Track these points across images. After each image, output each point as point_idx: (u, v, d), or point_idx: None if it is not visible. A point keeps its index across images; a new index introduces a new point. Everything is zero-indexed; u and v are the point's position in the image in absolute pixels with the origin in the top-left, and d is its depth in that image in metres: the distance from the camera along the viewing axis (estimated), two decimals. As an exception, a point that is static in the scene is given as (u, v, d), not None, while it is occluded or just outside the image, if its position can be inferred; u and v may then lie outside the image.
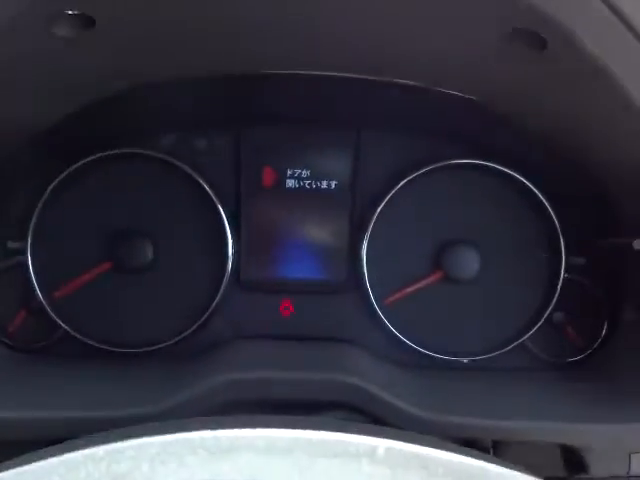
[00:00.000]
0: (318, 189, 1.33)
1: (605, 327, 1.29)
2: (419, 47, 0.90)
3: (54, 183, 1.26)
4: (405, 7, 0.80)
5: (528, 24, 0.77)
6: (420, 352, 1.30)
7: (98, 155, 1.26)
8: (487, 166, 1.29)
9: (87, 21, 0.79)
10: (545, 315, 1.29)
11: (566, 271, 1.29)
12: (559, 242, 1.29)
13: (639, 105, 0.81)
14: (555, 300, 1.29)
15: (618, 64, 0.78)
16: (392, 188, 1.29)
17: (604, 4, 0.72)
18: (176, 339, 1.28)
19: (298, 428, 0.53)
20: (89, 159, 1.26)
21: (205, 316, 1.29)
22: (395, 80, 1.05)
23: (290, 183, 1.33)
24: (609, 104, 0.84)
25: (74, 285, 1.29)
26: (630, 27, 0.75)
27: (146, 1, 0.78)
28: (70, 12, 0.77)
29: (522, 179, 1.29)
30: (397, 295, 1.32)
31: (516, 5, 0.73)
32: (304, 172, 1.33)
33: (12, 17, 0.74)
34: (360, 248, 1.30)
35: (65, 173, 1.26)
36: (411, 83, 1.06)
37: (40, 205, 1.26)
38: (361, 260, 1.30)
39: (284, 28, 0.90)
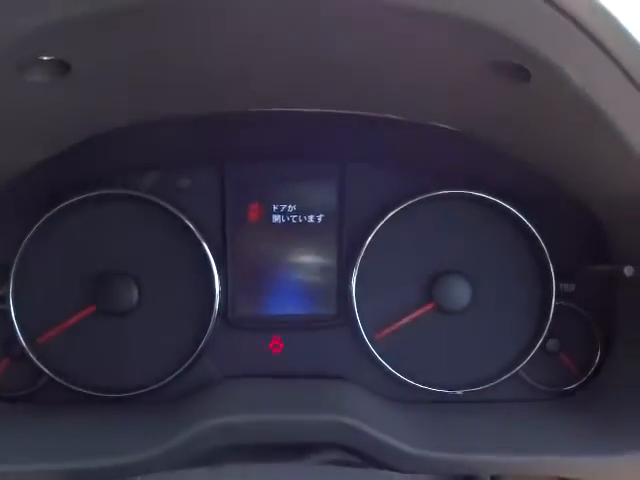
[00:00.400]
0: (305, 223, 1.31)
1: (599, 353, 1.28)
2: (402, 80, 0.89)
3: (35, 227, 1.23)
4: (387, 41, 0.79)
5: (512, 57, 0.76)
6: (413, 386, 1.28)
7: (79, 197, 1.24)
8: (475, 196, 1.28)
9: (62, 66, 0.77)
10: (538, 343, 1.27)
11: (557, 298, 1.28)
12: (549, 269, 1.27)
13: (624, 137, 0.80)
14: (547, 328, 1.28)
15: (603, 96, 0.77)
16: (380, 221, 1.28)
17: (588, 38, 0.72)
18: (163, 382, 1.25)
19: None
20: (70, 202, 1.24)
21: (193, 357, 1.27)
22: (379, 115, 1.04)
23: (276, 218, 1.31)
24: (594, 136, 0.84)
25: (57, 330, 1.26)
26: (615, 61, 0.74)
27: (123, 45, 0.76)
28: (45, 58, 0.76)
29: (510, 208, 1.28)
30: (388, 329, 1.30)
31: (500, 38, 0.72)
32: (290, 207, 1.31)
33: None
34: (349, 282, 1.29)
35: (45, 217, 1.24)
36: (395, 117, 1.05)
37: (21, 250, 1.23)
38: (350, 294, 1.28)
39: (267, 68, 0.89)
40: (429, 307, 1.30)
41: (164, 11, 0.68)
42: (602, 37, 0.71)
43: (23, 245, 1.23)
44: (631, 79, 0.75)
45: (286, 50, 0.83)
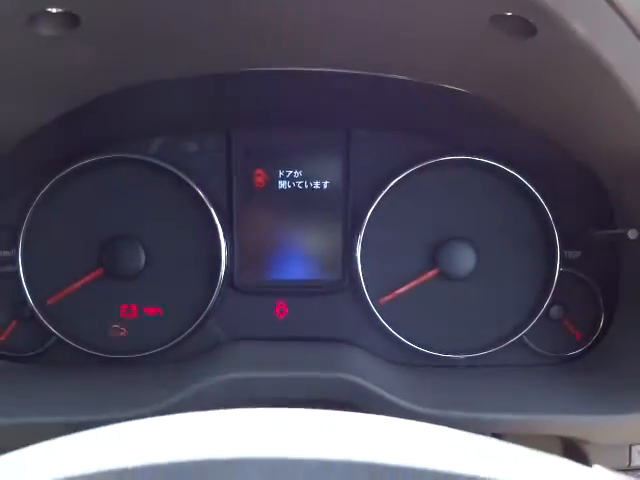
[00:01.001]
0: (310, 189, 1.32)
1: (602, 319, 1.29)
2: (406, 37, 0.90)
3: (42, 191, 1.25)
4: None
5: (518, 10, 0.76)
6: (417, 350, 1.29)
7: (86, 161, 1.26)
8: (480, 162, 1.29)
9: (72, 19, 0.78)
10: (542, 310, 1.29)
11: (562, 265, 1.29)
12: (554, 236, 1.28)
13: (628, 91, 0.81)
14: (552, 294, 1.29)
15: (608, 49, 0.78)
16: (384, 187, 1.29)
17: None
18: (170, 344, 1.27)
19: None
20: (77, 165, 1.26)
21: (199, 320, 1.28)
22: (384, 75, 1.05)
23: (282, 184, 1.32)
24: (598, 91, 0.84)
25: (66, 292, 1.27)
26: (620, 13, 0.75)
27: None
28: (54, 10, 0.77)
29: (515, 175, 1.28)
30: (393, 294, 1.31)
31: None
32: (296, 173, 1.32)
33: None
34: (354, 248, 1.30)
35: (53, 180, 1.25)
36: (400, 77, 1.05)
37: (29, 214, 1.25)
38: (355, 260, 1.30)
39: (271, 25, 0.90)
40: (433, 273, 1.31)
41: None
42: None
43: (31, 208, 1.25)
44: (635, 31, 0.75)
45: (290, 5, 0.83)
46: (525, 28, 0.78)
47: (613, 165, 1.07)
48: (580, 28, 0.75)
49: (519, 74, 0.92)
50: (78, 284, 1.28)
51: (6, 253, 1.26)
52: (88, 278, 1.28)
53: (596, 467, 0.55)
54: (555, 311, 1.31)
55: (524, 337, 1.30)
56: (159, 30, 0.86)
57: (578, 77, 0.84)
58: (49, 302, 1.27)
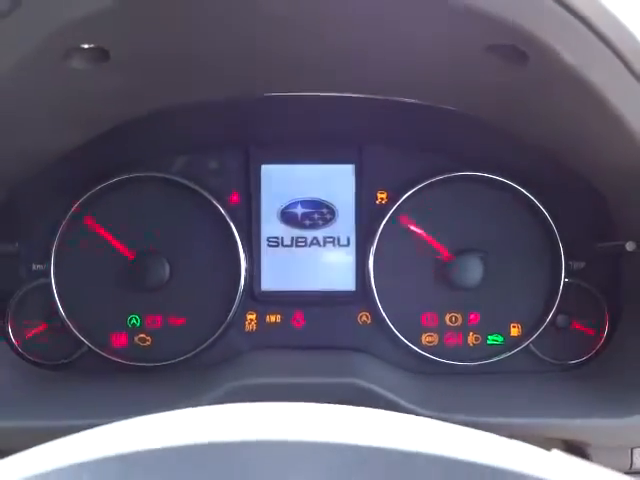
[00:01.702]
0: (325, 203, 1.39)
1: (606, 328, 1.33)
2: (409, 63, 0.97)
3: (73, 208, 1.33)
4: (393, 26, 0.86)
5: (510, 40, 0.83)
6: (428, 358, 1.35)
7: (115, 180, 1.34)
8: (487, 178, 1.35)
9: (102, 54, 0.86)
10: (548, 319, 1.34)
11: (567, 275, 1.34)
12: (559, 248, 1.33)
13: (617, 113, 0.87)
14: (557, 304, 1.34)
15: (595, 75, 0.84)
16: (396, 201, 1.35)
17: (579, 21, 0.78)
18: (193, 352, 1.34)
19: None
20: (105, 184, 1.34)
21: (221, 329, 1.35)
22: (391, 98, 1.12)
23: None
24: (590, 114, 0.90)
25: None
26: (605, 41, 0.81)
27: (158, 34, 0.85)
28: (86, 46, 0.84)
29: (521, 189, 1.34)
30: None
31: (499, 23, 0.79)
32: (311, 188, 1.39)
33: (31, 51, 0.81)
34: (367, 260, 1.36)
35: (83, 198, 1.33)
36: (407, 100, 1.12)
37: (61, 229, 1.33)
38: (368, 271, 1.36)
39: (288, 53, 0.97)
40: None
41: (192, 4, 0.77)
42: (592, 20, 0.78)
43: (63, 224, 1.33)
44: (620, 57, 0.81)
45: (306, 39, 0.91)
46: (518, 56, 0.85)
47: (611, 180, 1.13)
48: (568, 56, 0.81)
49: (516, 97, 0.99)
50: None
51: (39, 267, 1.34)
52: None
53: (554, 451, 0.61)
54: (561, 320, 1.36)
55: (531, 345, 1.35)
56: (183, 62, 0.94)
57: (570, 100, 0.90)
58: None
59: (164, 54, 0.91)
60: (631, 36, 0.82)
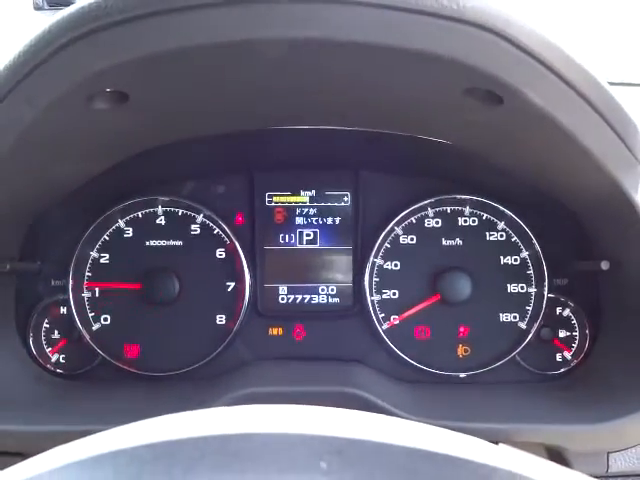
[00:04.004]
0: (324, 225, 1.49)
1: (587, 341, 1.43)
2: (397, 103, 1.07)
3: (90, 229, 1.43)
4: (382, 74, 0.96)
5: (483, 85, 0.93)
6: (420, 368, 1.44)
7: (128, 203, 1.44)
8: (475, 200, 1.46)
9: (122, 96, 0.96)
10: (532, 332, 1.43)
11: (550, 291, 1.44)
12: (542, 265, 1.43)
13: (584, 145, 0.96)
14: (541, 318, 1.43)
15: (562, 113, 0.94)
16: (389, 222, 1.45)
17: (545, 68, 0.88)
18: (201, 363, 1.44)
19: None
20: (120, 206, 1.44)
21: (227, 341, 1.45)
22: (383, 131, 1.22)
23: (299, 220, 1.50)
24: (560, 145, 1.00)
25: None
26: (572, 87, 0.91)
27: (174, 79, 0.95)
28: (108, 90, 0.95)
29: (506, 211, 1.44)
30: (398, 318, 1.47)
31: (476, 71, 0.89)
32: (311, 210, 1.49)
33: (59, 96, 0.91)
34: (363, 277, 1.46)
35: (99, 219, 1.44)
36: (398, 133, 1.23)
37: (78, 248, 1.43)
38: (364, 288, 1.46)
39: (292, 94, 1.08)
40: (434, 299, 1.46)
41: (203, 55, 0.87)
42: (556, 66, 0.88)
43: (80, 244, 1.43)
44: (583, 97, 0.91)
45: (306, 83, 1.01)
46: (493, 98, 0.94)
47: (585, 203, 1.23)
48: (538, 99, 0.91)
49: (493, 132, 1.09)
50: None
51: (58, 283, 1.45)
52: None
53: (501, 445, 0.69)
54: (545, 333, 1.45)
55: (516, 356, 1.44)
56: (195, 103, 1.05)
57: (542, 135, 1.00)
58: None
59: (176, 97, 1.01)
60: (595, 82, 0.92)
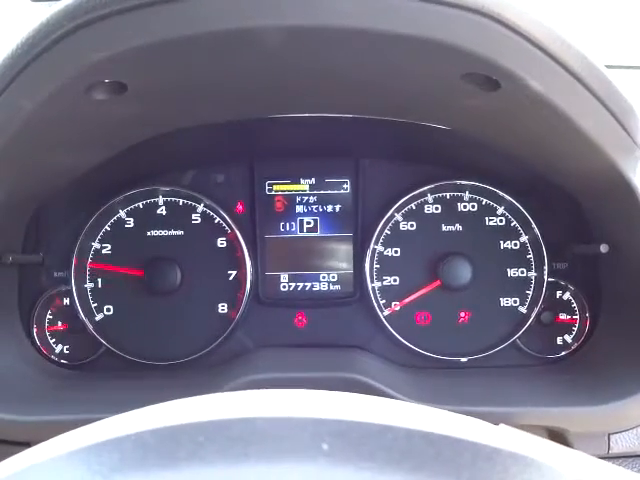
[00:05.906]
0: (324, 212, 1.50)
1: (588, 324, 1.43)
2: (397, 89, 1.07)
3: (92, 219, 1.44)
4: (382, 60, 0.97)
5: (483, 70, 0.93)
6: (422, 354, 1.45)
7: (129, 193, 1.45)
8: (474, 185, 1.46)
9: (120, 87, 0.97)
10: (533, 316, 1.44)
11: (550, 275, 1.44)
12: (542, 250, 1.44)
13: (581, 128, 0.97)
14: (542, 302, 1.44)
15: (560, 97, 0.94)
16: (389, 208, 1.46)
17: (542, 52, 0.89)
18: (204, 351, 1.45)
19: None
20: (121, 197, 1.45)
21: (228, 331, 1.46)
22: (383, 118, 1.23)
23: (299, 209, 1.50)
24: (558, 128, 1.00)
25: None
26: (569, 70, 0.91)
27: (170, 71, 0.95)
28: (107, 80, 0.95)
29: (506, 195, 1.45)
30: (399, 304, 1.47)
31: (473, 56, 0.89)
32: (311, 198, 1.50)
33: (58, 86, 0.91)
34: (364, 264, 1.47)
35: (101, 210, 1.44)
36: (398, 120, 1.23)
37: (80, 239, 1.44)
38: (365, 274, 1.47)
39: (290, 81, 1.08)
40: (435, 284, 1.47)
41: (202, 44, 0.87)
42: (553, 51, 0.88)
43: (82, 234, 1.44)
44: (582, 82, 0.92)
45: (306, 70, 1.01)
46: (491, 83, 0.95)
47: (584, 187, 1.23)
48: (534, 83, 0.91)
49: (492, 116, 1.09)
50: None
51: (60, 274, 1.46)
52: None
53: (501, 425, 0.70)
54: (545, 317, 1.46)
55: (517, 340, 1.45)
56: (193, 92, 1.05)
57: (539, 119, 1.00)
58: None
59: (175, 86, 1.01)
60: (593, 66, 0.93)
